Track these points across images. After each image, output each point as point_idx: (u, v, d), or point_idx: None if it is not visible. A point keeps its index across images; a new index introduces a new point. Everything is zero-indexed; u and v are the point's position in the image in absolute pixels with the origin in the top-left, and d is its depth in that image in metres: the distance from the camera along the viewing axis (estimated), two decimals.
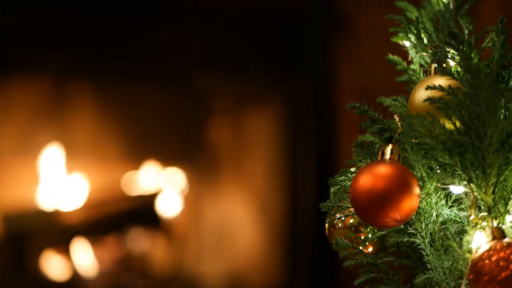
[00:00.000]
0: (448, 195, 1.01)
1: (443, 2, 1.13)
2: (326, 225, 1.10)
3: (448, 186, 1.00)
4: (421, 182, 1.00)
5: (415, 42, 1.10)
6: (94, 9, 3.08)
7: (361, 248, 1.06)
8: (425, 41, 1.10)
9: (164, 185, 3.36)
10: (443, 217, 1.01)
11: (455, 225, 1.01)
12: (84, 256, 3.18)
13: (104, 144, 3.32)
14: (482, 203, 0.95)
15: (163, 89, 3.37)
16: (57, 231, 3.20)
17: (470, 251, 0.93)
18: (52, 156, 3.20)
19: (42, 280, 3.13)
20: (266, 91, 3.36)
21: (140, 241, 3.30)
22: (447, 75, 0.97)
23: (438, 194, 1.01)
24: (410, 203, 0.94)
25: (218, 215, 3.39)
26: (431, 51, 1.03)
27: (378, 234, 1.07)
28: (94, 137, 3.30)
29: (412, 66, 1.12)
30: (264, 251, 3.34)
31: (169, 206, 3.35)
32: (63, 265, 3.16)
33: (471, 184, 0.95)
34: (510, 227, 0.95)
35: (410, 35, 1.10)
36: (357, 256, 1.03)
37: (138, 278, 3.24)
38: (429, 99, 0.94)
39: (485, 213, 0.95)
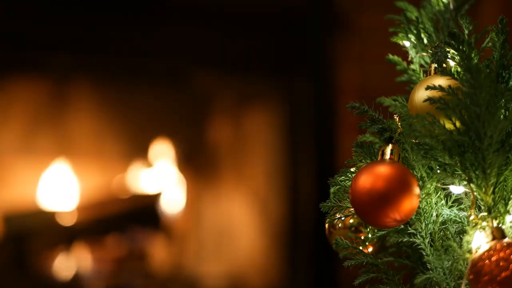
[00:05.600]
0: (448, 195, 1.01)
1: (443, 2, 1.13)
2: (326, 225, 1.10)
3: (448, 186, 1.00)
4: (421, 182, 1.00)
5: (415, 42, 1.10)
6: (94, 9, 3.08)
7: (361, 248, 1.06)
8: (425, 41, 1.10)
9: (164, 185, 3.36)
10: (443, 217, 1.01)
11: (455, 225, 1.01)
12: (84, 256, 3.18)
13: (104, 144, 3.32)
14: (482, 203, 0.95)
15: (163, 89, 3.37)
16: (57, 231, 3.20)
17: (470, 251, 0.93)
18: (52, 156, 3.20)
19: (42, 280, 3.13)
20: (266, 91, 3.36)
21: (140, 241, 3.29)
22: (447, 75, 0.97)
23: (438, 194, 1.01)
24: (410, 203, 0.94)
25: (218, 215, 3.39)
26: (431, 51, 1.03)
27: (378, 234, 1.07)
28: (94, 136, 3.30)
29: (412, 66, 1.12)
30: (264, 251, 3.34)
31: (169, 206, 3.35)
32: (63, 265, 3.16)
33: (471, 184, 0.95)
34: (510, 227, 0.95)
35: (410, 35, 1.10)
36: (357, 256, 1.03)
37: (138, 278, 3.24)
38: (429, 99, 0.94)
39: (485, 213, 0.95)
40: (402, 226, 1.03)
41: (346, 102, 1.03)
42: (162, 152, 3.36)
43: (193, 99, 3.39)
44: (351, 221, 1.08)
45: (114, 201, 3.30)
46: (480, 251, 0.90)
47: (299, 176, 3.26)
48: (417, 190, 0.95)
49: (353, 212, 1.00)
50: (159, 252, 3.31)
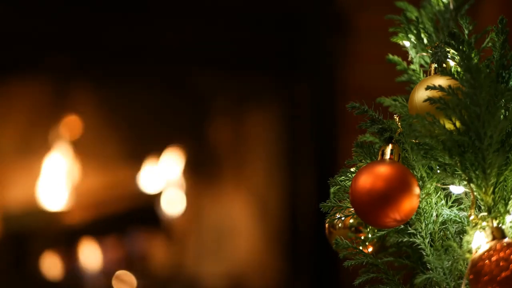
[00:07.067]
0: (448, 195, 1.01)
1: (443, 2, 1.13)
2: (326, 225, 1.10)
3: (448, 186, 1.00)
4: (421, 182, 1.00)
5: (415, 42, 1.10)
6: (94, 9, 3.08)
7: (361, 248, 1.06)
8: (425, 41, 1.10)
9: (164, 185, 3.36)
10: (443, 217, 1.01)
11: (455, 225, 1.01)
12: (84, 256, 3.18)
13: (104, 144, 3.32)
14: (482, 203, 0.95)
15: (163, 89, 3.37)
16: (57, 231, 3.20)
17: (470, 251, 0.93)
18: (52, 156, 3.20)
19: (42, 280, 3.13)
20: (266, 91, 3.36)
21: (140, 241, 3.29)
22: (447, 75, 0.97)
23: (438, 194, 1.01)
24: (410, 203, 0.94)
25: (218, 215, 3.39)
26: (431, 51, 1.03)
27: (378, 234, 1.07)
28: (94, 137, 3.30)
29: (412, 66, 1.12)
30: (264, 251, 3.34)
31: (169, 206, 3.35)
32: (63, 265, 3.16)
33: (471, 184, 0.95)
34: (510, 227, 0.95)
35: (410, 35, 1.10)
36: (357, 256, 1.03)
37: (138, 278, 3.23)
38: (429, 99, 0.94)
39: (485, 213, 0.95)
40: (402, 226, 1.03)
41: (346, 103, 1.03)
42: (162, 152, 3.36)
43: (193, 99, 3.39)
44: (351, 221, 1.08)
45: (114, 201, 3.30)
46: (480, 251, 0.90)
47: (299, 176, 3.26)
48: (417, 190, 0.95)
49: (353, 212, 1.00)
50: (159, 252, 3.31)
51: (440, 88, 0.94)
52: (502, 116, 0.94)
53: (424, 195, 1.00)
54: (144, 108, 3.35)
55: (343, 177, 1.03)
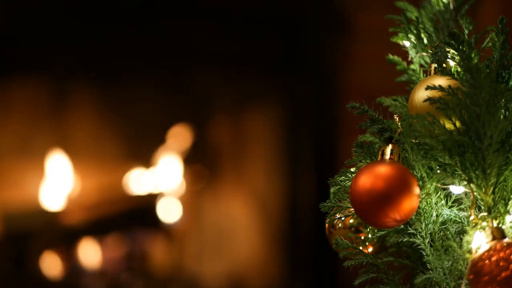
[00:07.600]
0: (448, 195, 1.01)
1: (443, 2, 1.13)
2: (326, 225, 1.10)
3: (448, 186, 1.00)
4: (421, 182, 1.00)
5: (415, 42, 1.10)
6: (94, 9, 3.08)
7: (361, 248, 1.06)
8: (425, 41, 1.10)
9: (164, 185, 3.36)
10: (443, 217, 1.01)
11: (455, 225, 1.01)
12: (84, 256, 3.18)
13: (104, 144, 3.32)
14: (482, 203, 0.95)
15: (163, 89, 3.37)
16: (57, 231, 3.20)
17: (470, 251, 0.93)
18: (52, 156, 3.20)
19: (42, 280, 3.13)
20: (266, 91, 3.36)
21: (140, 241, 3.29)
22: (447, 75, 0.97)
23: (438, 194, 1.01)
24: (410, 203, 0.94)
25: (218, 215, 3.39)
26: (431, 51, 1.03)
27: (378, 234, 1.07)
28: (94, 137, 3.30)
29: (412, 66, 1.12)
30: (264, 251, 3.34)
31: (169, 206, 3.35)
32: (63, 265, 3.15)
33: (471, 184, 0.95)
34: (510, 227, 0.95)
35: (410, 35, 1.10)
36: (357, 256, 1.03)
37: (138, 278, 3.23)
38: (429, 99, 0.94)
39: (485, 213, 0.95)
40: (402, 226, 1.03)
41: (346, 102, 1.03)
42: (162, 152, 3.36)
43: (193, 99, 3.39)
44: (351, 221, 1.08)
45: (114, 201, 3.30)
46: (480, 251, 0.90)
47: (299, 176, 3.26)
48: (417, 190, 0.95)
49: (353, 212, 1.00)
50: (159, 252, 3.31)
51: (440, 88, 0.94)
52: (502, 116, 0.94)
53: (424, 195, 1.00)
54: (144, 108, 3.35)
55: (343, 177, 1.03)
